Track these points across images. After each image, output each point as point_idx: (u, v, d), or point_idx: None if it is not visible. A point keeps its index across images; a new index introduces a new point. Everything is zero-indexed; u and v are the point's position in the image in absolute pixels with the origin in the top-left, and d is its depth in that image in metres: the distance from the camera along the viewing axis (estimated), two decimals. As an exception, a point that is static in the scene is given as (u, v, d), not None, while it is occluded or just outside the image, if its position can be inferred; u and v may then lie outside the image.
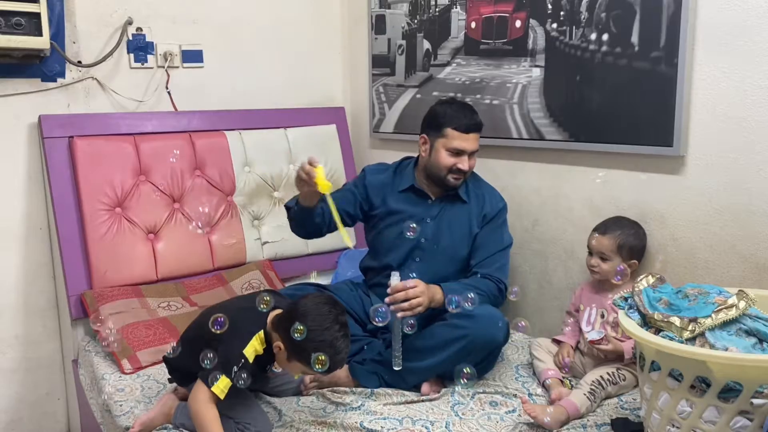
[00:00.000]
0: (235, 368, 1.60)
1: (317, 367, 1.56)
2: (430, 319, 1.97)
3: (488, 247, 2.12)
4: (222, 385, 1.59)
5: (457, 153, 2.07)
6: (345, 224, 2.07)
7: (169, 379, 1.86)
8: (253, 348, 1.64)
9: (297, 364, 1.64)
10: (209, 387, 1.59)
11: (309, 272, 2.81)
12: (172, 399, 1.79)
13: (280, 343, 1.64)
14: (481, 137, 2.16)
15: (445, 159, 2.08)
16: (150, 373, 2.08)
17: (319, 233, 2.09)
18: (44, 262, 2.52)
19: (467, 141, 2.07)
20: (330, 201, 1.80)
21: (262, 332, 1.67)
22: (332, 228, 2.05)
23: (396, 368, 1.84)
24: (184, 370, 1.74)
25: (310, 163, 1.79)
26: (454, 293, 1.96)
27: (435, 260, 2.13)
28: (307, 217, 2.01)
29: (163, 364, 2.03)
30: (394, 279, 1.87)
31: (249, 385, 1.64)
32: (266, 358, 1.70)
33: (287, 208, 2.07)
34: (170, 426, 1.75)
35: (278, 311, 1.69)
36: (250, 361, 1.63)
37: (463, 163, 2.07)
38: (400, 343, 1.83)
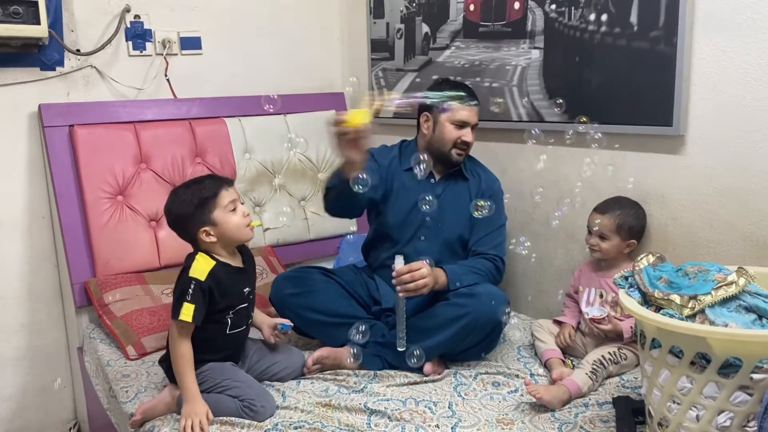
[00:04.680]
0: (190, 290, 1.69)
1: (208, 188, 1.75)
2: (432, 299, 1.99)
3: (484, 225, 2.14)
4: (186, 310, 1.67)
5: (461, 125, 2.12)
6: (371, 204, 2.14)
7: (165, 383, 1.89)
8: (197, 269, 1.72)
9: (228, 218, 1.75)
10: (177, 318, 1.68)
11: (311, 258, 2.82)
12: (174, 389, 1.80)
13: (207, 232, 1.75)
14: (481, 120, 2.18)
15: (450, 132, 2.12)
16: (155, 359, 2.08)
17: (352, 212, 2.15)
18: (47, 250, 2.54)
19: (470, 112, 2.12)
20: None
21: (200, 253, 1.77)
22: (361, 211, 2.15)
23: (400, 348, 1.87)
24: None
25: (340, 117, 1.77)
26: (456, 275, 1.98)
27: (439, 239, 2.16)
28: (349, 192, 1.84)
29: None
30: (399, 262, 1.89)
31: (227, 295, 1.76)
32: (230, 269, 1.79)
33: (328, 188, 2.02)
34: (171, 415, 1.76)
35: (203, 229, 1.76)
36: (202, 279, 1.71)
37: (467, 135, 2.12)
38: (404, 323, 1.85)
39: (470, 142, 2.14)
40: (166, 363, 1.81)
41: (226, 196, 1.77)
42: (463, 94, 2.00)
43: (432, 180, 2.20)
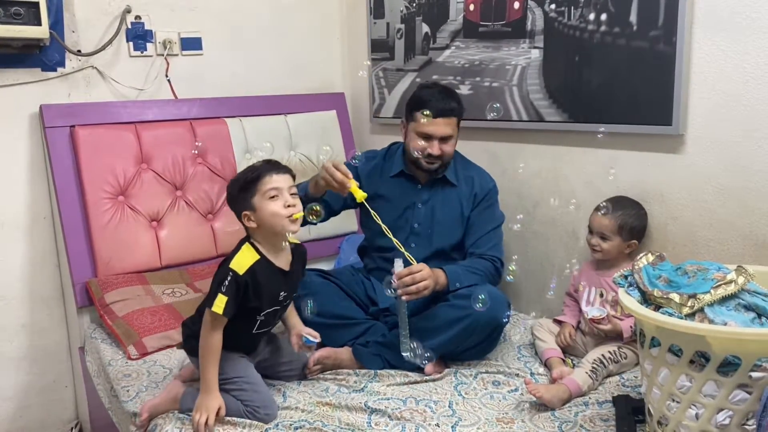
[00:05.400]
0: (226, 281, 1.66)
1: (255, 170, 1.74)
2: (432, 300, 1.99)
3: (481, 227, 2.14)
4: (219, 301, 1.64)
5: (426, 137, 2.07)
6: (320, 217, 2.13)
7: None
8: (239, 261, 1.69)
9: (265, 205, 1.70)
10: (210, 307, 1.65)
11: (311, 258, 2.82)
12: (178, 385, 1.81)
13: (248, 217, 1.72)
14: (480, 120, 2.17)
15: (415, 143, 2.08)
16: (156, 359, 2.10)
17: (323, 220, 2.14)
18: (49, 251, 2.54)
19: (435, 126, 2.05)
20: (370, 209, 1.86)
21: (246, 243, 1.74)
22: (331, 216, 2.16)
23: (404, 353, 1.85)
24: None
25: (340, 169, 1.85)
26: (456, 275, 1.98)
27: (430, 245, 2.15)
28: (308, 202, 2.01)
29: (170, 349, 2.05)
30: (398, 265, 1.88)
31: (261, 296, 1.71)
32: (272, 268, 1.74)
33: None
34: (177, 411, 1.76)
35: (244, 213, 1.74)
36: (240, 272, 1.67)
37: (433, 148, 2.06)
38: (407, 327, 1.84)
39: (439, 155, 2.07)
40: (189, 330, 1.79)
41: (268, 182, 1.71)
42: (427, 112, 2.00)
43: (418, 186, 2.19)
